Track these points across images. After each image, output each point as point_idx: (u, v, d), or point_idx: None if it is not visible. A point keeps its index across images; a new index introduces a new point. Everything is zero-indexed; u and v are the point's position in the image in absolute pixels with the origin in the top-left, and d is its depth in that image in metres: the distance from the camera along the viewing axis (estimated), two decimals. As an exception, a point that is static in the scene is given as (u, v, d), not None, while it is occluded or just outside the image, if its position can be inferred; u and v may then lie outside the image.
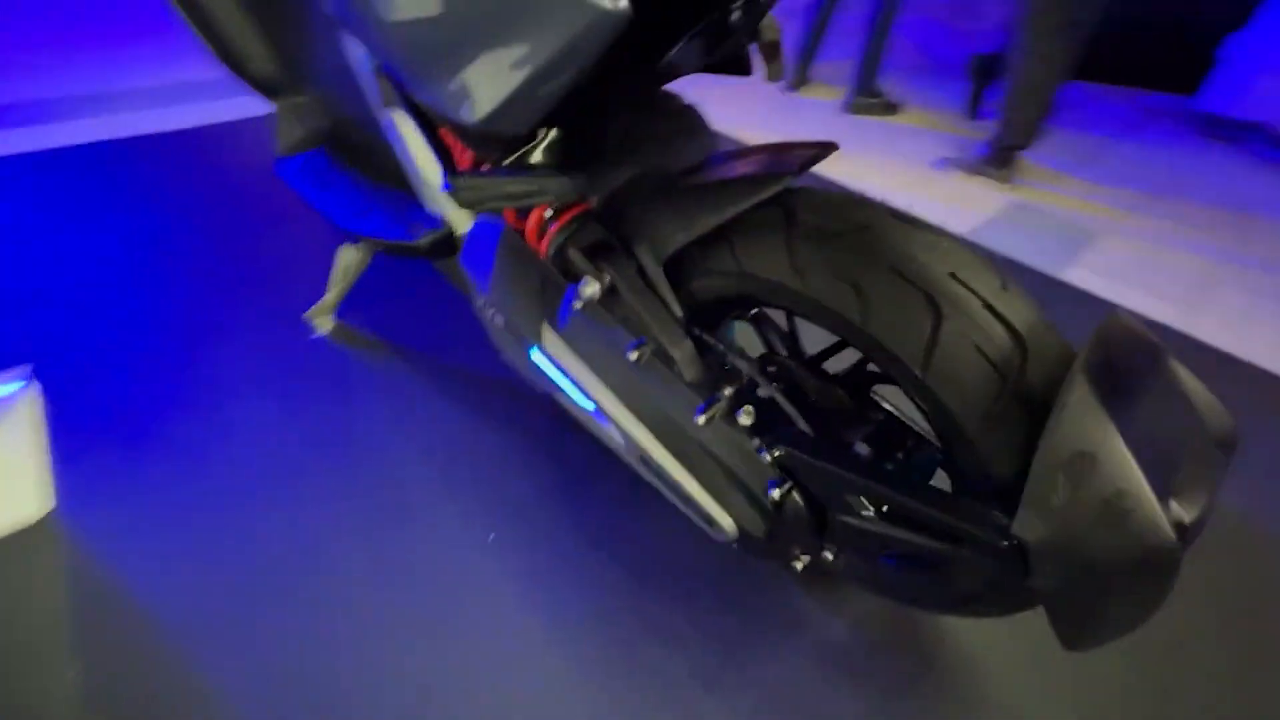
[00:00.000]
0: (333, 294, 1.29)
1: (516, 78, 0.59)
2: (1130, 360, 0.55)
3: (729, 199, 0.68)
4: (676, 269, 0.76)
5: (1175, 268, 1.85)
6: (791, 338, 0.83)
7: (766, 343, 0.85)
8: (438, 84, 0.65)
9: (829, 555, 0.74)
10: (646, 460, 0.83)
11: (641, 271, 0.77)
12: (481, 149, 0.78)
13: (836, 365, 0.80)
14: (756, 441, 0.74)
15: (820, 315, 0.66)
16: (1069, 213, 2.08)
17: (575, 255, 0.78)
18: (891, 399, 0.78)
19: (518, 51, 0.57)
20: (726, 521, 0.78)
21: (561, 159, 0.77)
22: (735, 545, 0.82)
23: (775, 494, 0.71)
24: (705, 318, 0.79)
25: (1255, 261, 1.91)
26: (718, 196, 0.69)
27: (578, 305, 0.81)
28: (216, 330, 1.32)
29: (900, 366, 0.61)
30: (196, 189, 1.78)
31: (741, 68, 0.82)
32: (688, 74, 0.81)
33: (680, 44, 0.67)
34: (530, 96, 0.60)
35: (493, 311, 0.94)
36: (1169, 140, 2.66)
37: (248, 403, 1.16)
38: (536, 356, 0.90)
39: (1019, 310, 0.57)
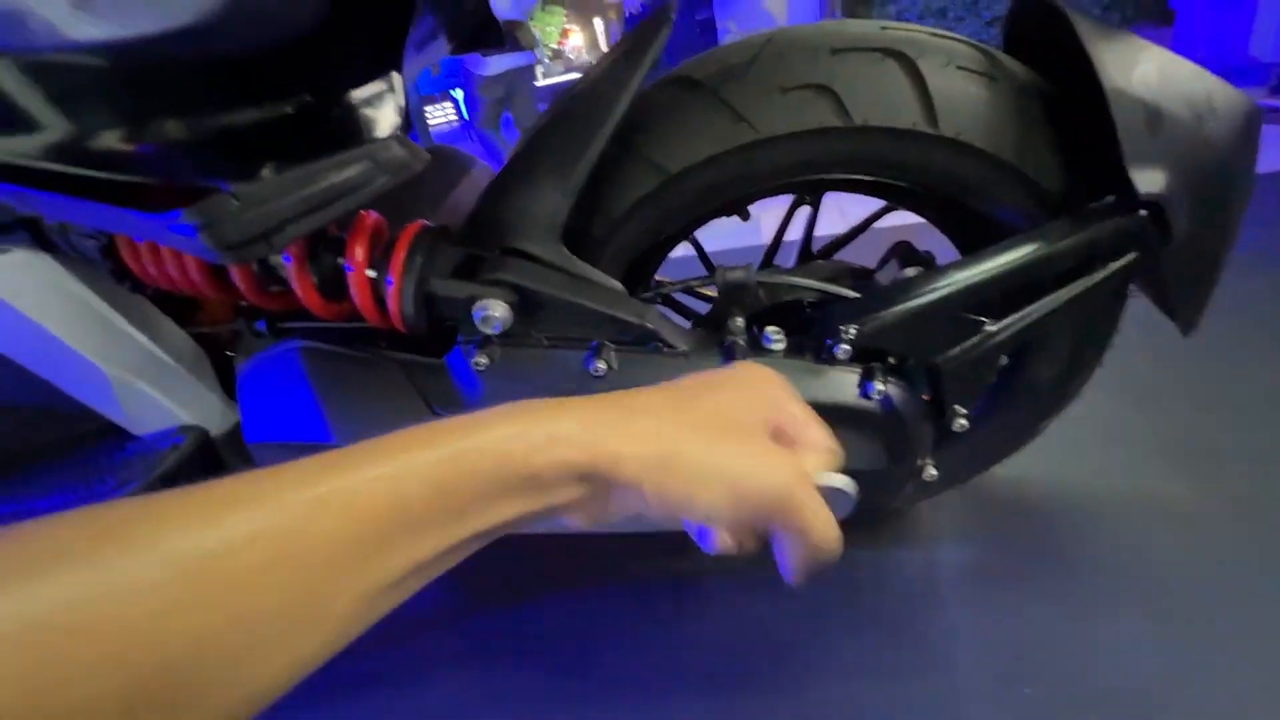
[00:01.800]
0: None
1: None
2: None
3: (594, 121, 0.52)
4: (575, 246, 0.56)
5: None
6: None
7: (709, 265, 0.68)
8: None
9: (960, 421, 0.58)
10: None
11: (543, 263, 0.54)
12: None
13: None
14: (808, 354, 0.55)
15: (784, 163, 0.53)
16: None
17: (450, 285, 0.52)
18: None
19: None
20: (839, 482, 0.56)
21: None
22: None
23: (875, 390, 0.53)
24: (632, 280, 0.60)
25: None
26: (578, 130, 0.53)
27: (482, 361, 0.54)
28: None
29: (904, 144, 0.51)
30: None
31: (494, 38, 0.69)
32: (440, 58, 0.65)
33: (415, 29, 0.51)
34: None
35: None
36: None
37: None
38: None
39: (956, 31, 0.53)
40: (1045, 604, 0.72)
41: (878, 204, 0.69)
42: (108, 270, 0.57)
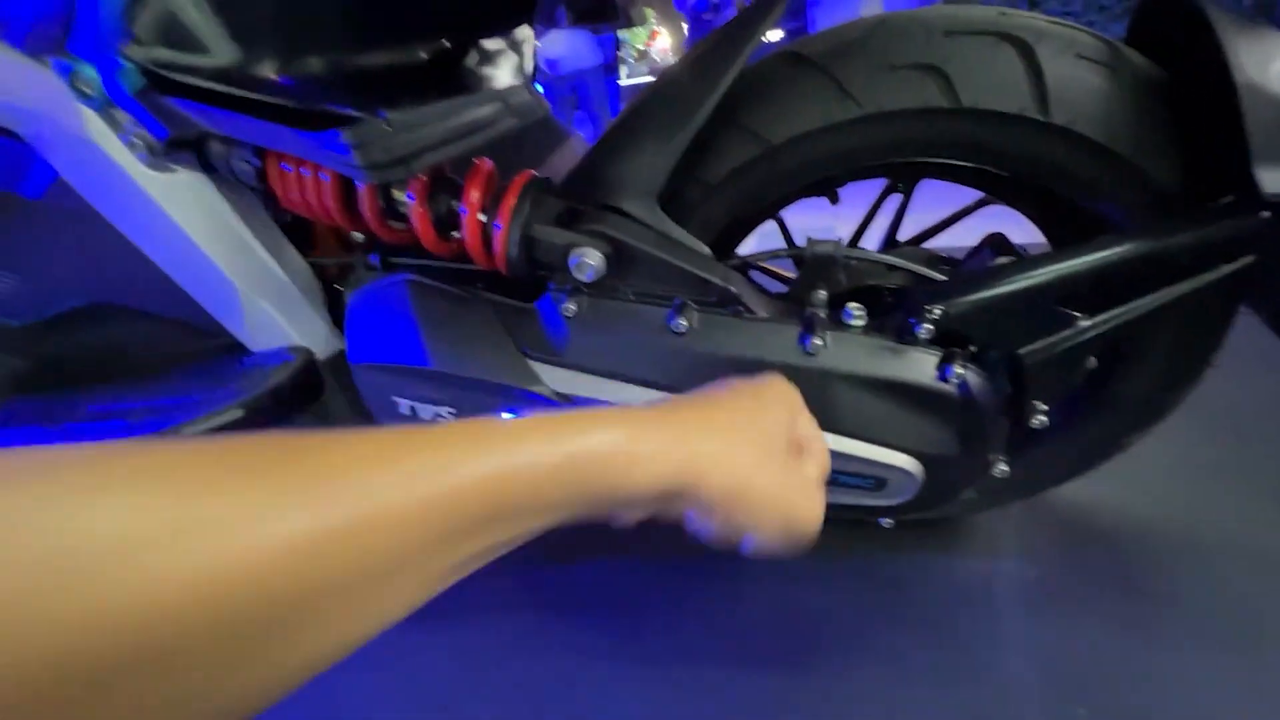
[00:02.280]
0: None
1: None
2: None
3: (702, 88, 0.54)
4: (669, 208, 0.59)
5: None
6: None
7: (793, 244, 0.69)
8: None
9: (1040, 418, 0.57)
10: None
11: (638, 221, 0.57)
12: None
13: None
14: (891, 331, 0.56)
15: (886, 141, 0.54)
16: None
17: (551, 233, 0.55)
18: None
19: None
20: (903, 462, 0.56)
21: None
22: (913, 503, 0.60)
23: (955, 374, 0.53)
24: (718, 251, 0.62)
25: None
26: (685, 96, 0.55)
27: (570, 308, 0.57)
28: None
29: (1011, 130, 0.51)
30: None
31: (610, 13, 0.73)
32: (562, 25, 0.69)
33: None
34: None
35: (431, 404, 0.63)
36: None
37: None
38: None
39: (1071, 20, 0.53)
40: (1109, 629, 0.69)
41: (972, 198, 0.68)
42: (257, 194, 0.63)
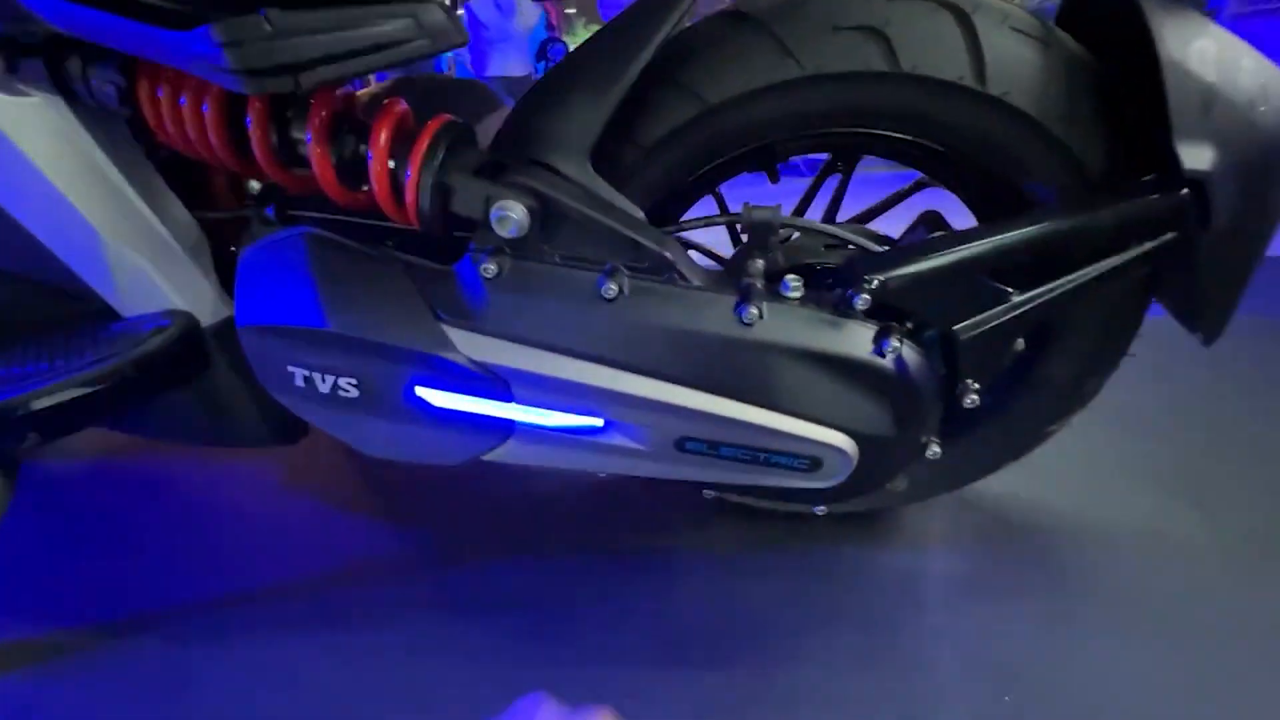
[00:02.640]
0: None
1: None
2: None
3: (637, 41, 0.51)
4: (603, 172, 0.55)
5: None
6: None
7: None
8: None
9: (972, 396, 0.56)
10: (694, 436, 0.54)
11: (569, 180, 0.53)
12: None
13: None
14: (828, 304, 0.54)
15: (826, 106, 0.53)
16: None
17: (470, 182, 0.50)
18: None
19: None
20: (838, 440, 0.54)
21: None
22: (847, 485, 0.58)
23: (891, 348, 0.51)
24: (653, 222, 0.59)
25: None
26: (619, 49, 0.52)
27: (490, 269, 0.52)
28: None
29: (949, 99, 0.50)
30: None
31: None
32: None
33: None
34: None
35: (330, 373, 0.56)
36: None
37: None
38: (431, 395, 0.55)
39: None
40: (1033, 619, 0.69)
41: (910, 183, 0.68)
42: (123, 121, 0.55)
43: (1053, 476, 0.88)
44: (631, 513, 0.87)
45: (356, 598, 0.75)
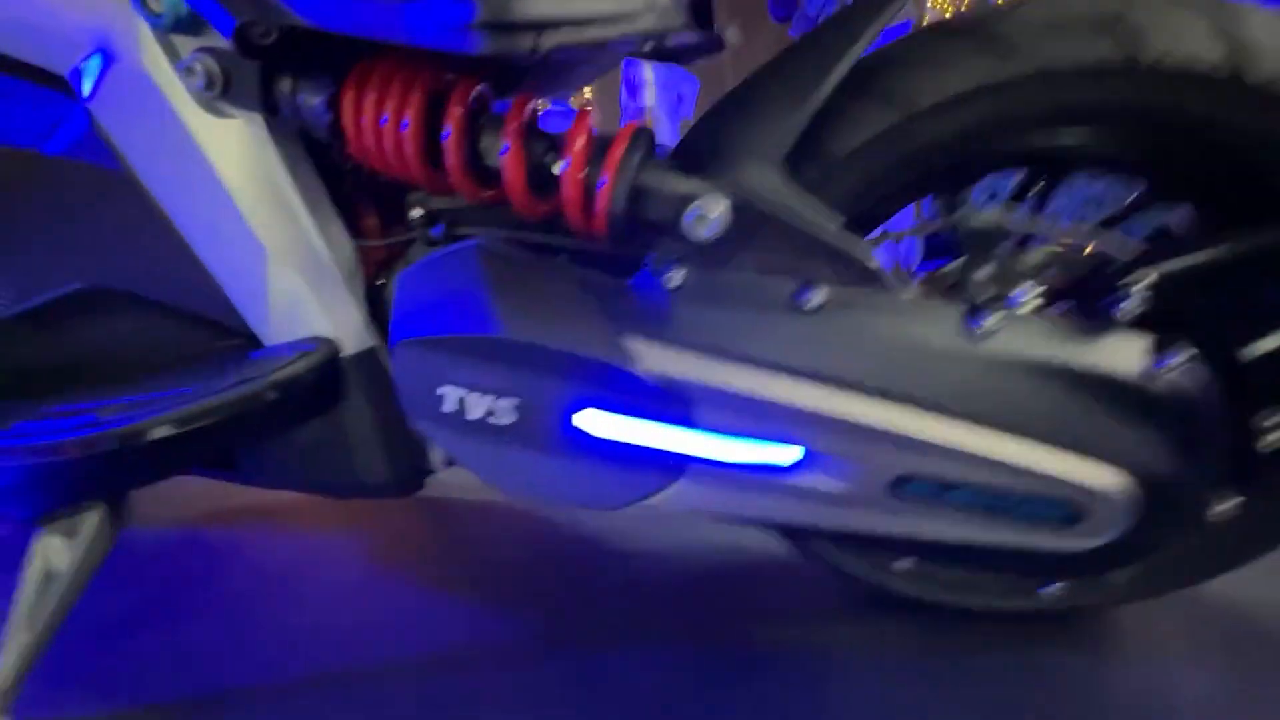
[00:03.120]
0: (13, 659, 0.58)
1: None
2: None
3: (838, 46, 0.50)
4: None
5: None
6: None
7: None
8: None
9: (1273, 436, 0.45)
10: (917, 474, 0.45)
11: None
12: None
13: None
14: (1078, 313, 0.45)
15: (1047, 107, 0.48)
16: None
17: (668, 179, 0.47)
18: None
19: None
20: (1109, 480, 0.43)
21: None
22: (1112, 549, 0.46)
23: (1175, 362, 0.42)
24: None
25: None
26: (818, 56, 0.50)
27: (676, 278, 0.48)
28: None
29: (1203, 92, 0.45)
30: None
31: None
32: None
33: None
34: None
35: (488, 392, 0.50)
36: None
37: None
38: (598, 422, 0.48)
39: None
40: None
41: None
42: (304, 143, 0.56)
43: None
44: (773, 599, 0.74)
45: (454, 686, 0.63)
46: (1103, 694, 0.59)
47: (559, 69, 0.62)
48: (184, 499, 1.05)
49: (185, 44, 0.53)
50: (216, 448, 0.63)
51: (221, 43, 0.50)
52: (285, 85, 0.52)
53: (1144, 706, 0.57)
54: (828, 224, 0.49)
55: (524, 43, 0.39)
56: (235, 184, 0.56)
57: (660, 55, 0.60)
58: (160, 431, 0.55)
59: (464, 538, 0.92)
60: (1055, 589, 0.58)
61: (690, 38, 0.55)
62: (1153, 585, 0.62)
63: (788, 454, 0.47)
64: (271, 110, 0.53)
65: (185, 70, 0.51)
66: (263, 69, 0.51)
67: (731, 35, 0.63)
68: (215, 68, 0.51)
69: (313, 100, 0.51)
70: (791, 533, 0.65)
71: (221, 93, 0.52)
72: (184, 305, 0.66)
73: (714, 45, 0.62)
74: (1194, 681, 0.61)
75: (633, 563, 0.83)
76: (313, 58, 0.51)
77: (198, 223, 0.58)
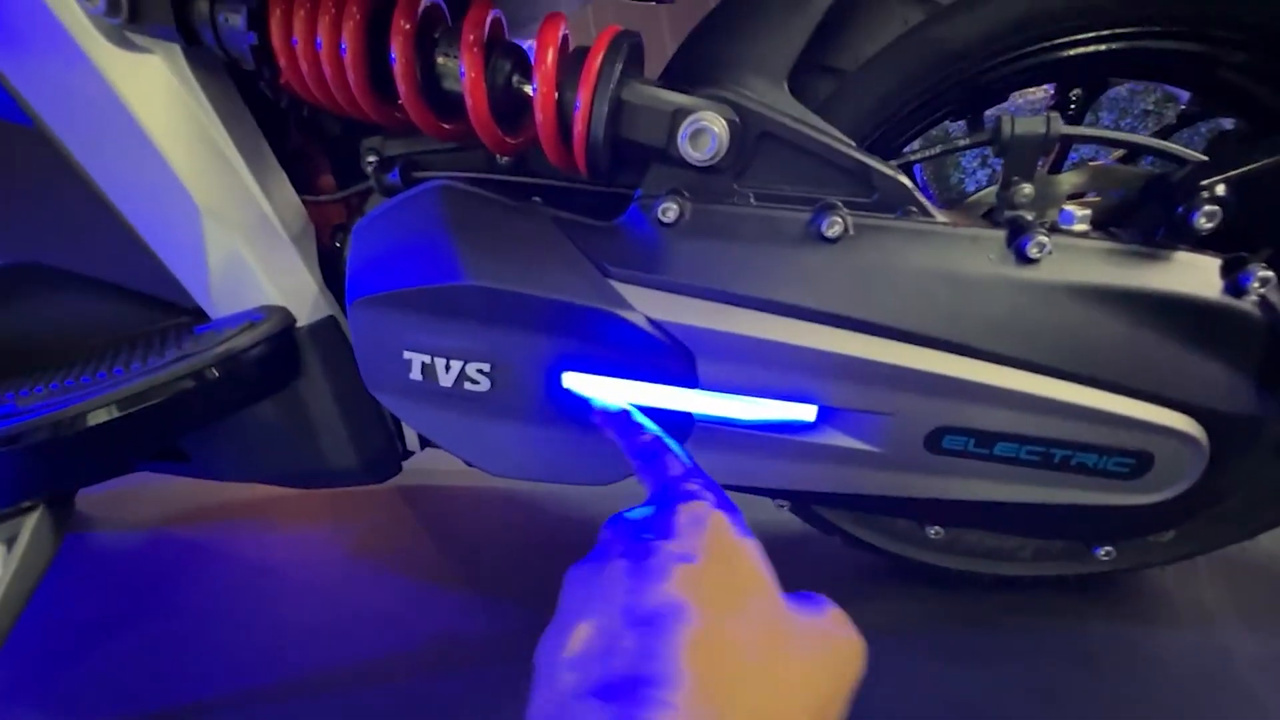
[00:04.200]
0: None
1: None
2: None
3: None
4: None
5: None
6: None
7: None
8: None
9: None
10: (958, 426, 0.38)
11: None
12: None
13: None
14: (1137, 233, 0.39)
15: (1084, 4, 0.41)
16: None
17: (656, 95, 0.40)
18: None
19: None
20: (1180, 423, 0.37)
21: None
22: (1183, 499, 0.40)
23: (1255, 282, 0.35)
24: None
25: None
26: None
27: (670, 211, 0.41)
28: None
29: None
30: None
31: None
32: None
33: None
34: None
35: (458, 356, 0.43)
36: None
37: None
38: (589, 382, 0.42)
39: None
40: None
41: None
42: (237, 87, 0.49)
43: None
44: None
45: (436, 687, 0.57)
46: (1163, 664, 0.54)
47: None
48: (147, 499, 0.97)
49: (83, -37, 0.45)
50: (159, 436, 0.56)
51: (123, -43, 0.43)
52: (202, 4, 0.44)
53: (1205, 675, 0.52)
54: (844, 141, 0.42)
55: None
56: (158, 133, 0.48)
57: None
58: (93, 418, 0.48)
59: (447, 528, 0.85)
60: (1102, 552, 0.52)
61: None
62: (1201, 541, 0.56)
63: (807, 410, 0.41)
64: (190, 38, 0.45)
65: None
66: None
67: None
68: (117, -21, 0.43)
69: (233, 19, 0.43)
70: (807, 502, 0.59)
71: (129, 18, 0.44)
72: (131, 284, 0.59)
73: None
74: (1249, 644, 0.57)
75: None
76: None
77: (121, 181, 0.50)
